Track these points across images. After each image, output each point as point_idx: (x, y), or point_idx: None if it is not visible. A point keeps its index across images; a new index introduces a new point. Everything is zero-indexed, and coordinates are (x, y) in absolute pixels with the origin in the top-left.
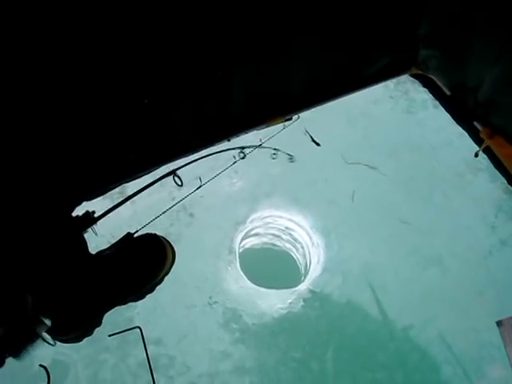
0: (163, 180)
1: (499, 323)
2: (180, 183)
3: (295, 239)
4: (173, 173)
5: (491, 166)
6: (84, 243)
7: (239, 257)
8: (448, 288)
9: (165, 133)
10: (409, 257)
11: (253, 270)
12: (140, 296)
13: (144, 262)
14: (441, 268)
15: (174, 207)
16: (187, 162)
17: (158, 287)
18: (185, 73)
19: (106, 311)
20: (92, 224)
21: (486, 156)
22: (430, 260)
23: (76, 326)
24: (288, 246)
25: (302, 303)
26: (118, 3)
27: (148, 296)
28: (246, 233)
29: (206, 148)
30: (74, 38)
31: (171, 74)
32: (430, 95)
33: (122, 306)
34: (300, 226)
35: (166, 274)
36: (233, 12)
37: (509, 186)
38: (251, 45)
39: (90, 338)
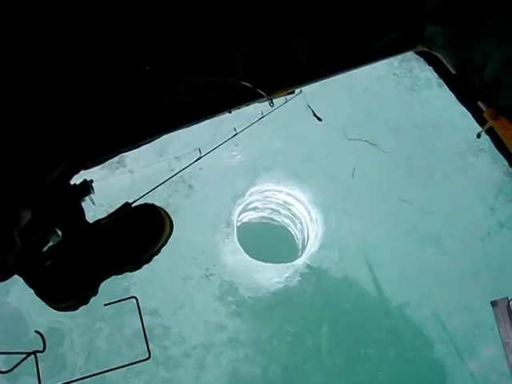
0: (163, 150)
1: (494, 303)
2: None
3: (293, 214)
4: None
5: (493, 147)
6: (81, 211)
7: (237, 230)
8: (444, 267)
9: (165, 101)
10: (406, 235)
11: (250, 243)
12: (137, 266)
13: (141, 231)
14: (438, 247)
15: (173, 178)
16: None
17: (155, 258)
18: (187, 38)
19: (103, 280)
20: (89, 193)
21: (488, 137)
22: (428, 239)
23: (72, 293)
24: (286, 220)
25: (298, 278)
26: None
27: (145, 266)
28: (245, 206)
29: (206, 119)
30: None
31: (173, 40)
32: (435, 74)
33: (119, 276)
34: (299, 200)
35: (164, 244)
36: None
37: (510, 168)
38: (258, 14)
39: (85, 306)
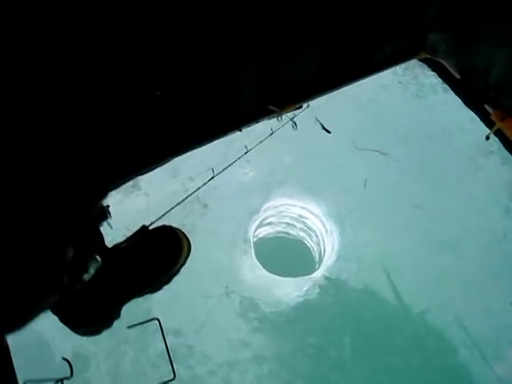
0: (176, 171)
1: None
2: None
3: (309, 227)
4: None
5: (503, 148)
6: (101, 237)
7: (253, 246)
8: (463, 271)
9: (178, 124)
10: (423, 241)
11: (268, 258)
12: (157, 287)
13: (160, 253)
14: (456, 252)
15: (188, 199)
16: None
17: (174, 278)
18: (196, 63)
19: (125, 303)
20: (107, 217)
21: (497, 139)
22: (445, 244)
23: (95, 318)
24: (302, 234)
25: (317, 290)
26: None
27: (165, 287)
28: (260, 222)
29: (218, 139)
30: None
31: (182, 65)
32: (440, 79)
33: (140, 298)
34: (313, 213)
35: (183, 265)
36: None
37: None
38: (262, 33)
39: (109, 330)
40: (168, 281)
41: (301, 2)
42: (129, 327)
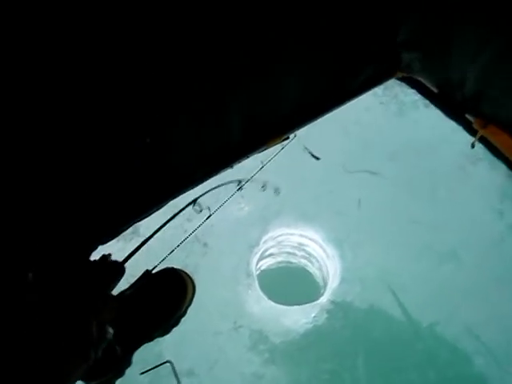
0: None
1: None
2: (199, 210)
3: (309, 254)
4: (193, 202)
5: (489, 154)
6: (106, 285)
7: (257, 278)
8: (466, 280)
9: (169, 169)
10: (423, 255)
11: (272, 290)
12: (166, 330)
13: (166, 296)
14: (456, 261)
15: (188, 239)
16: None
17: (182, 319)
18: (182, 104)
19: (135, 350)
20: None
21: (482, 145)
22: (445, 255)
23: (106, 369)
24: (303, 261)
25: (325, 315)
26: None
27: (174, 329)
28: (261, 254)
29: (210, 178)
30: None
31: (169, 109)
32: (419, 95)
33: (150, 343)
34: (312, 240)
35: (189, 305)
36: (220, 42)
37: (509, 171)
38: (244, 70)
39: (121, 378)
40: (176, 323)
41: (281, 37)
42: (142, 373)
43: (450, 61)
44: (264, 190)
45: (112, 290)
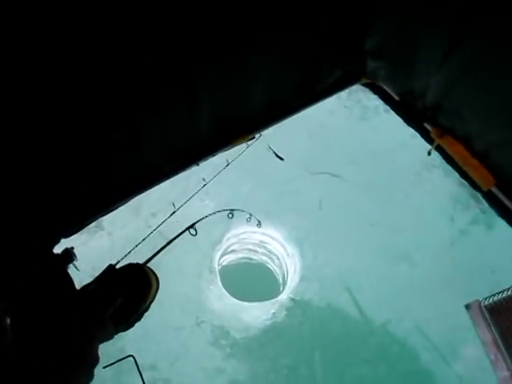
0: (138, 209)
1: (467, 306)
2: (195, 234)
3: (270, 251)
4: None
5: (444, 162)
6: (71, 280)
7: (219, 274)
8: (418, 281)
9: (137, 163)
10: (379, 256)
11: (233, 285)
12: (129, 325)
13: (129, 291)
14: (409, 263)
15: (152, 234)
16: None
17: (145, 314)
18: (152, 104)
19: (99, 344)
20: (72, 260)
21: (438, 154)
22: (399, 257)
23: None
24: (264, 258)
25: (284, 312)
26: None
27: (137, 324)
28: (224, 251)
29: (177, 174)
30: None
31: (137, 104)
32: (381, 101)
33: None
34: (274, 238)
35: (152, 300)
36: (188, 39)
37: (462, 179)
38: (213, 69)
39: None
40: (139, 317)
41: (250, 38)
42: (104, 367)
43: (413, 71)
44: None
45: (108, 313)
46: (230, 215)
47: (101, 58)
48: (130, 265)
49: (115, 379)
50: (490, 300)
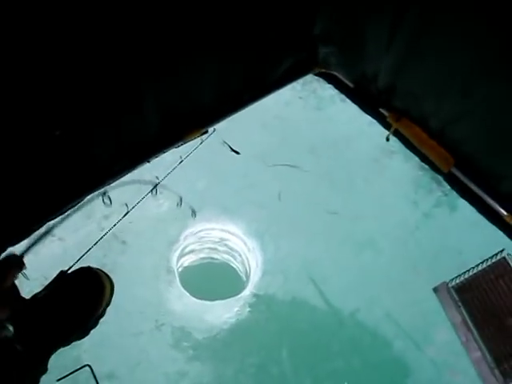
0: (90, 211)
1: (435, 290)
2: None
3: (231, 248)
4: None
5: (403, 147)
6: (16, 289)
7: (179, 277)
8: (384, 267)
9: (84, 163)
10: (343, 244)
11: (195, 286)
12: (84, 332)
13: (82, 296)
14: (374, 250)
15: (105, 237)
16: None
17: (101, 320)
18: (96, 98)
19: (49, 356)
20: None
21: (397, 139)
22: (363, 244)
23: (17, 377)
24: (226, 256)
25: (248, 309)
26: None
27: (93, 331)
28: (182, 251)
29: (127, 173)
30: None
31: (82, 102)
32: (336, 90)
33: (68, 347)
34: (233, 234)
35: (107, 305)
36: (135, 28)
37: (422, 163)
38: (159, 62)
39: None
40: (95, 324)
41: (193, 28)
42: (58, 380)
43: (363, 55)
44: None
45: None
46: (154, 192)
47: (46, 51)
48: (82, 269)
49: None
50: (457, 280)
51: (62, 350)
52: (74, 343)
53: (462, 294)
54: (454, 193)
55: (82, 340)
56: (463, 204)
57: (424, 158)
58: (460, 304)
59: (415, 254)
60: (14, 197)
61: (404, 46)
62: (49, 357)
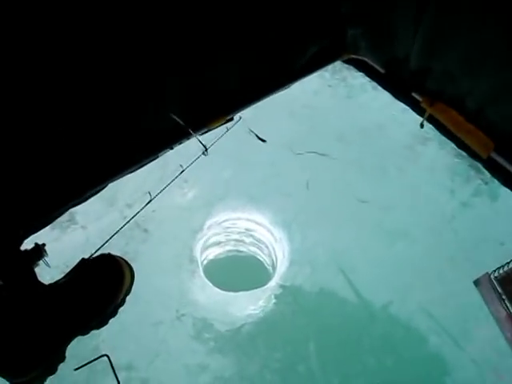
0: (113, 200)
1: (477, 282)
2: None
3: (258, 240)
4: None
5: (438, 133)
6: (33, 274)
7: (204, 269)
8: (419, 258)
9: (107, 148)
10: (373, 234)
11: (221, 280)
12: (103, 321)
13: (101, 283)
14: (407, 240)
15: (127, 226)
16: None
17: (120, 309)
18: (120, 86)
19: (67, 343)
20: (42, 256)
21: (431, 125)
22: (396, 234)
23: (34, 363)
24: (253, 249)
25: (274, 301)
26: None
27: (111, 320)
28: (206, 240)
29: (151, 161)
30: None
31: (106, 89)
32: (367, 78)
33: (86, 336)
34: (259, 224)
35: (127, 294)
36: (161, 20)
37: (458, 150)
38: (182, 49)
39: (54, 375)
40: (114, 313)
41: (218, 18)
42: (76, 369)
43: (393, 36)
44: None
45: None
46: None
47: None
48: (102, 256)
49: (89, 382)
50: (501, 271)
51: (80, 338)
52: (92, 332)
53: (506, 287)
54: (495, 181)
55: (101, 329)
56: (505, 192)
57: (461, 144)
58: (504, 297)
59: (452, 244)
60: (34, 182)
61: (434, 23)
62: (65, 345)
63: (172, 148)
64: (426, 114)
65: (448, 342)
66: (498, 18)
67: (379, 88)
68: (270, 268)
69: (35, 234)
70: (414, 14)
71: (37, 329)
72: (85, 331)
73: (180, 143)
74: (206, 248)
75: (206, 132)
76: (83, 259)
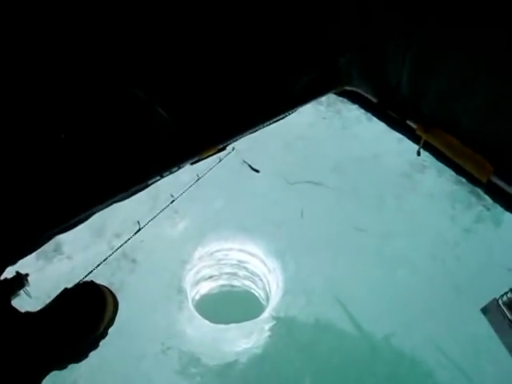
0: (101, 230)
1: (484, 310)
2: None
3: (252, 272)
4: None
5: (435, 161)
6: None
7: (196, 304)
8: (420, 286)
9: (93, 174)
10: (372, 262)
11: (214, 315)
12: (82, 354)
13: (80, 311)
14: (409, 267)
15: (114, 255)
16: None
17: (102, 342)
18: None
19: (41, 378)
20: (23, 286)
21: (428, 153)
22: (396, 261)
23: None
24: (247, 282)
25: (267, 333)
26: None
27: (92, 353)
28: (198, 272)
29: (140, 190)
30: None
31: (98, 117)
32: (362, 110)
33: (64, 370)
34: (252, 254)
35: (110, 325)
36: (154, 49)
37: (457, 176)
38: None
39: None
40: (95, 345)
41: (209, 55)
42: None
43: (384, 60)
44: None
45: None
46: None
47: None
48: (84, 283)
49: None
50: (510, 295)
51: (56, 373)
52: (71, 366)
53: None
54: (497, 206)
55: (80, 363)
56: (509, 217)
57: (459, 170)
58: None
59: (456, 271)
60: (18, 206)
61: (423, 45)
62: (40, 380)
63: (162, 176)
64: (422, 141)
65: (458, 376)
66: (488, 33)
67: (374, 119)
68: (264, 302)
69: (19, 263)
70: (403, 38)
71: (6, 361)
72: (61, 364)
73: (171, 172)
74: (197, 282)
75: (198, 161)
76: (65, 289)
